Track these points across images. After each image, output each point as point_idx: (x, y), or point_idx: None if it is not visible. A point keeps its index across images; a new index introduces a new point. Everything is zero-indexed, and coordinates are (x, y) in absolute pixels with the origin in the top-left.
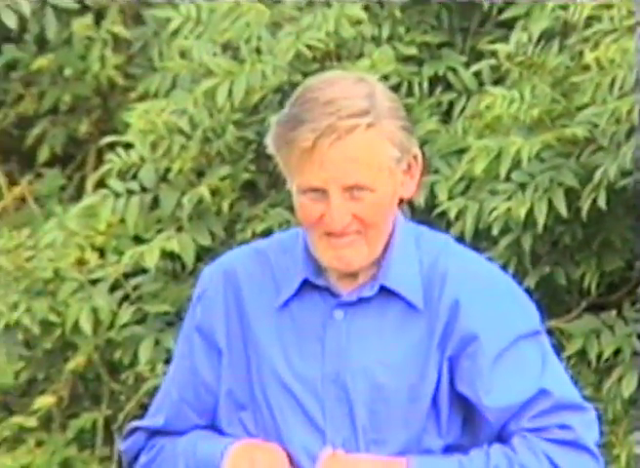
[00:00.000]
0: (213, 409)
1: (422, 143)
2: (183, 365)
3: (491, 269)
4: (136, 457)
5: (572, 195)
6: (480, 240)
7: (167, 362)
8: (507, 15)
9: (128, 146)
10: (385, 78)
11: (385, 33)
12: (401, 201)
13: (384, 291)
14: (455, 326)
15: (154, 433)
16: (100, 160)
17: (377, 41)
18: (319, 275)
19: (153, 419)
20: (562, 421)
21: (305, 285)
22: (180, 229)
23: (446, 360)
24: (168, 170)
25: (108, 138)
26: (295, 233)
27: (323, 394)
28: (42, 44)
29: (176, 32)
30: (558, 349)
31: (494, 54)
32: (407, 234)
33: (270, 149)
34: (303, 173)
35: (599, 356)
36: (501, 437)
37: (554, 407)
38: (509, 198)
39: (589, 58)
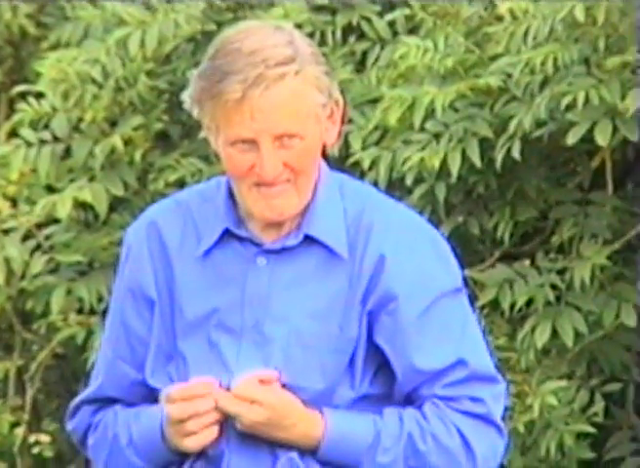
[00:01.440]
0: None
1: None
2: (116, 323)
3: (417, 222)
4: (84, 435)
5: (486, 145)
6: (394, 189)
7: (80, 311)
8: None
9: (40, 96)
10: (299, 27)
11: None
12: (324, 148)
13: (308, 239)
14: (378, 281)
15: (97, 405)
16: (11, 110)
17: None
18: (240, 225)
19: (94, 384)
20: (474, 393)
21: (227, 234)
22: (92, 179)
23: (366, 313)
24: (80, 119)
25: (20, 88)
26: (215, 183)
27: (241, 339)
28: None
29: None
30: (472, 299)
31: (407, 3)
32: (331, 183)
33: (189, 104)
34: (232, 125)
35: (512, 306)
36: (411, 396)
37: (468, 377)
38: (423, 148)
39: (503, 8)
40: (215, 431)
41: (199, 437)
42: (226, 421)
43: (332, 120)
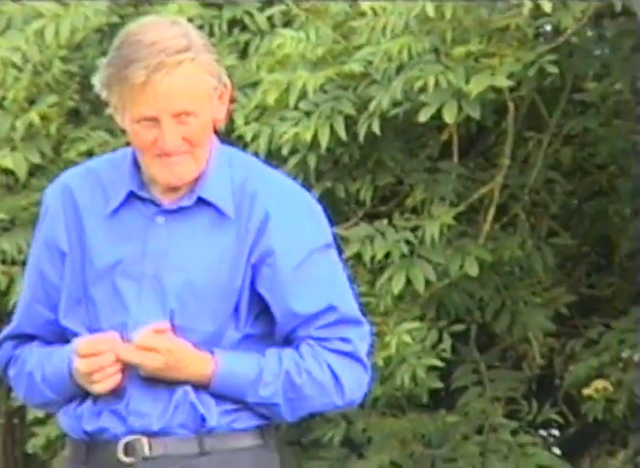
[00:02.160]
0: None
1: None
2: (33, 271)
3: (294, 188)
4: (6, 366)
5: (350, 121)
6: (272, 159)
7: (3, 262)
8: None
9: None
10: (190, 20)
11: None
12: (214, 124)
13: (201, 201)
14: (262, 238)
15: (18, 341)
16: None
17: None
18: (143, 188)
19: (14, 323)
20: (343, 334)
21: (132, 196)
22: (14, 149)
23: (250, 265)
24: (4, 98)
25: None
26: (123, 153)
27: (142, 286)
28: None
29: None
30: (338, 252)
31: (283, 1)
32: (221, 154)
33: (98, 88)
34: (137, 105)
35: (373, 258)
36: (289, 337)
37: (338, 320)
38: (297, 124)
39: (365, 5)
40: (118, 378)
41: (104, 384)
42: (128, 364)
43: (221, 100)
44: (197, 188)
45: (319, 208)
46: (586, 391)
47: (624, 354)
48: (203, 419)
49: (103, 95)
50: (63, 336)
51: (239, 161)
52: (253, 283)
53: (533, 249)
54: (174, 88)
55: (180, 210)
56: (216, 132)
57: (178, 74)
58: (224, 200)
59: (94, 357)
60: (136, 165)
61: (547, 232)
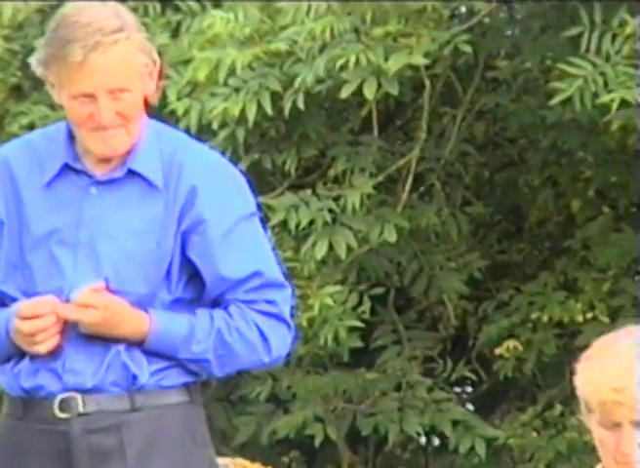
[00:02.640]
0: None
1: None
2: None
3: (219, 161)
4: None
5: (276, 97)
6: (203, 133)
7: None
8: None
9: None
10: (124, 1)
11: None
12: (147, 101)
13: (131, 173)
14: (191, 207)
15: None
16: None
17: None
18: (77, 161)
19: None
20: (269, 297)
21: (66, 168)
22: None
23: (180, 233)
24: None
25: None
26: (57, 126)
27: (77, 253)
28: None
29: None
30: (265, 220)
31: None
32: (150, 128)
33: (35, 66)
34: (75, 82)
35: (297, 226)
36: (218, 301)
37: (264, 284)
38: (226, 99)
39: None
40: (58, 338)
41: (46, 344)
42: (66, 324)
43: (151, 76)
44: (128, 160)
45: (243, 179)
46: (498, 350)
47: (534, 315)
48: (134, 377)
49: (39, 73)
50: (1, 301)
51: (167, 135)
52: (183, 249)
53: (448, 217)
54: (109, 66)
55: (112, 181)
56: (149, 106)
57: (113, 53)
58: (153, 171)
59: (36, 319)
60: (70, 138)
61: (462, 201)
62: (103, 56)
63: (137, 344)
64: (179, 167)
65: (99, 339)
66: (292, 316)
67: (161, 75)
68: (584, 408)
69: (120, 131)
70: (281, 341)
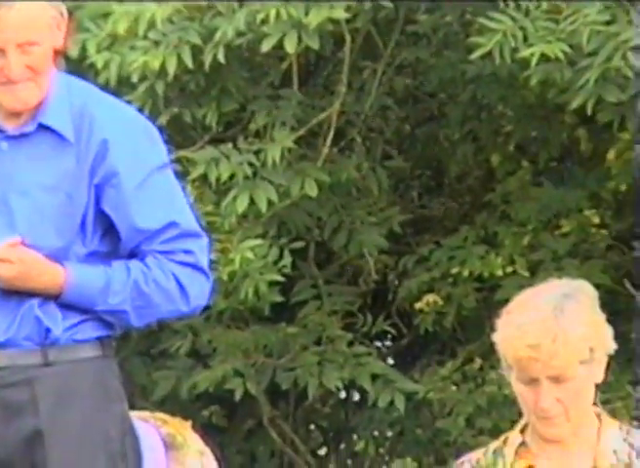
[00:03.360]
0: None
1: (75, 8)
2: None
3: (131, 114)
4: None
5: (196, 51)
6: (122, 86)
7: None
8: None
9: None
10: None
11: None
12: (56, 54)
13: (42, 127)
14: (103, 160)
15: None
16: None
17: None
18: None
19: None
20: (185, 247)
21: None
22: None
23: (93, 186)
24: None
25: None
26: None
27: None
28: None
29: None
30: (185, 174)
31: None
32: (60, 81)
33: None
34: None
35: (218, 179)
36: (134, 252)
37: (180, 234)
38: (146, 53)
39: None
40: None
41: None
42: None
43: (60, 29)
44: (38, 115)
45: (154, 129)
46: (418, 305)
47: (454, 270)
48: (47, 331)
49: None
50: None
51: (77, 87)
52: (98, 202)
53: (368, 171)
54: (17, 20)
55: (23, 136)
56: (67, 59)
57: (22, 7)
58: (64, 125)
59: None
60: None
61: (382, 155)
62: (10, 10)
63: (54, 298)
64: (89, 119)
65: (14, 294)
66: (209, 266)
67: (72, 28)
68: (504, 363)
69: (30, 84)
70: (199, 291)
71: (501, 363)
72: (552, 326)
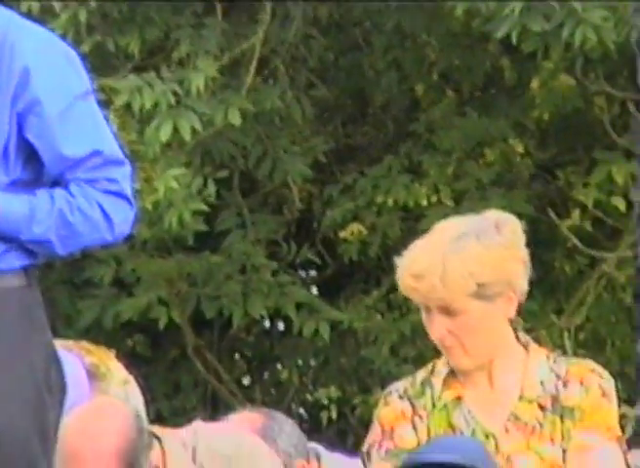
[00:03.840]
0: None
1: None
2: None
3: (53, 40)
4: None
5: None
6: (45, 14)
7: None
8: None
9: None
10: None
11: None
12: None
13: None
14: (24, 88)
15: None
16: None
17: None
18: None
19: None
20: (109, 175)
21: None
22: None
23: (16, 114)
24: None
25: None
26: None
27: None
28: None
29: None
30: (109, 103)
31: None
32: None
33: None
34: None
35: (141, 108)
36: (58, 181)
37: (104, 163)
38: None
39: None
40: None
41: None
42: None
43: None
44: None
45: (77, 57)
46: (342, 234)
47: (378, 199)
48: None
49: None
50: None
51: None
52: (20, 130)
53: (292, 100)
54: None
55: None
56: None
57: None
58: None
59: None
60: None
61: (306, 84)
62: None
63: None
64: (10, 47)
65: None
66: (133, 195)
67: None
68: None
69: None
70: (123, 219)
71: None
72: (436, 259)
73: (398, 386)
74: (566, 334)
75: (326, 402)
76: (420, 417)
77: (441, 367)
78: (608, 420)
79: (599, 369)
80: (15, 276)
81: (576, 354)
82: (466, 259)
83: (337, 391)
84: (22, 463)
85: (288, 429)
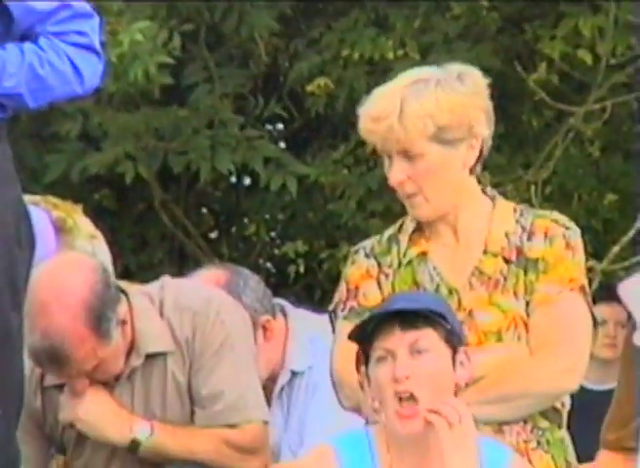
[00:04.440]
0: None
1: None
2: None
3: None
4: None
5: None
6: None
7: None
8: None
9: None
10: None
11: None
12: None
13: None
14: None
15: None
16: None
17: None
18: None
19: None
20: (78, 28)
21: None
22: None
23: None
24: None
25: None
26: None
27: None
28: None
29: None
30: None
31: None
32: None
33: None
34: None
35: None
36: (27, 34)
37: (72, 16)
38: None
39: None
40: None
41: None
42: None
43: None
44: None
45: None
46: (309, 87)
47: (344, 52)
48: None
49: None
50: None
51: None
52: None
53: None
54: None
55: None
56: None
57: None
58: None
59: None
60: None
61: None
62: None
63: None
64: None
65: None
66: (101, 46)
67: None
68: None
69: None
70: (92, 72)
71: None
72: (395, 102)
73: (365, 244)
74: (533, 188)
75: (293, 256)
76: (386, 275)
77: (408, 223)
78: (572, 272)
79: (564, 220)
80: None
81: (542, 208)
82: (425, 102)
83: (304, 246)
84: None
85: (253, 285)
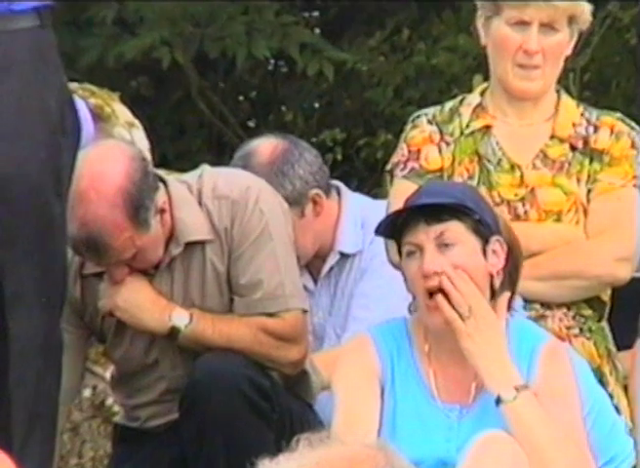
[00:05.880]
0: None
1: None
2: None
3: None
4: None
5: None
6: None
7: None
8: None
9: None
10: None
11: None
12: None
13: None
14: None
15: None
16: None
17: None
18: None
19: None
20: None
21: None
22: None
23: None
24: None
25: None
26: None
27: None
28: None
29: None
30: None
31: None
32: None
33: None
34: None
35: None
36: None
37: None
38: None
39: None
40: None
41: None
42: None
43: None
44: None
45: None
46: None
47: None
48: None
49: None
50: None
51: None
52: None
53: None
54: None
55: None
56: None
57: None
58: None
59: None
60: None
61: None
62: None
63: None
64: None
65: None
66: None
67: None
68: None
69: None
70: None
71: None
72: None
73: (427, 111)
74: (571, 76)
75: (331, 144)
76: (447, 143)
77: (472, 97)
78: (635, 170)
79: (629, 120)
80: (28, 17)
81: (581, 96)
82: None
83: (341, 133)
84: (36, 203)
85: (309, 158)
